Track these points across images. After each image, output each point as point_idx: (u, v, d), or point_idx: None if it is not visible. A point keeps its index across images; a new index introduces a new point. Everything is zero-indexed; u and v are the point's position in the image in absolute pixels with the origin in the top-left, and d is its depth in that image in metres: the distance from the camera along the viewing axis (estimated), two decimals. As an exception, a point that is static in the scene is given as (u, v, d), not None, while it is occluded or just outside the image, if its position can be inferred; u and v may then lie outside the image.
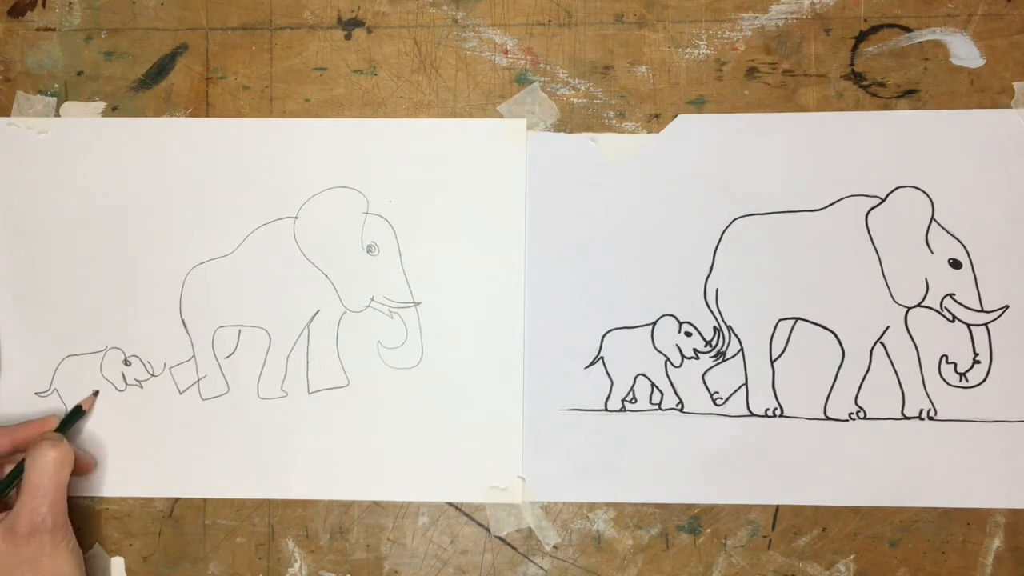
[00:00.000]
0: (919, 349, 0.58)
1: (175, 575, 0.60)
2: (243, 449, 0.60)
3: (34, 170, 0.61)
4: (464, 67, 0.61)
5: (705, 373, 0.59)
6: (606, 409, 0.59)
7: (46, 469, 0.53)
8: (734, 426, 0.59)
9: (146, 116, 0.61)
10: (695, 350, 0.59)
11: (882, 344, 0.59)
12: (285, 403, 0.60)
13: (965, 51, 0.60)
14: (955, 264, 0.59)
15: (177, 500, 0.60)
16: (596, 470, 0.59)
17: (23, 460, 0.55)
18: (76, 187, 0.61)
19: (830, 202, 0.59)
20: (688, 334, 0.59)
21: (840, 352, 0.59)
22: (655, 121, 0.60)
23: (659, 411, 0.59)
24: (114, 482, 0.60)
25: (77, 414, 0.59)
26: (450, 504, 0.60)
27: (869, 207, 0.59)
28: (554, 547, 0.59)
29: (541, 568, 0.59)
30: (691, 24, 0.61)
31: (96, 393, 0.60)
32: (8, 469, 0.57)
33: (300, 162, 0.61)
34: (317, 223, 0.60)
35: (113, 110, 0.61)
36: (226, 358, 0.60)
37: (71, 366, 0.60)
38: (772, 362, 0.59)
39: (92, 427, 0.60)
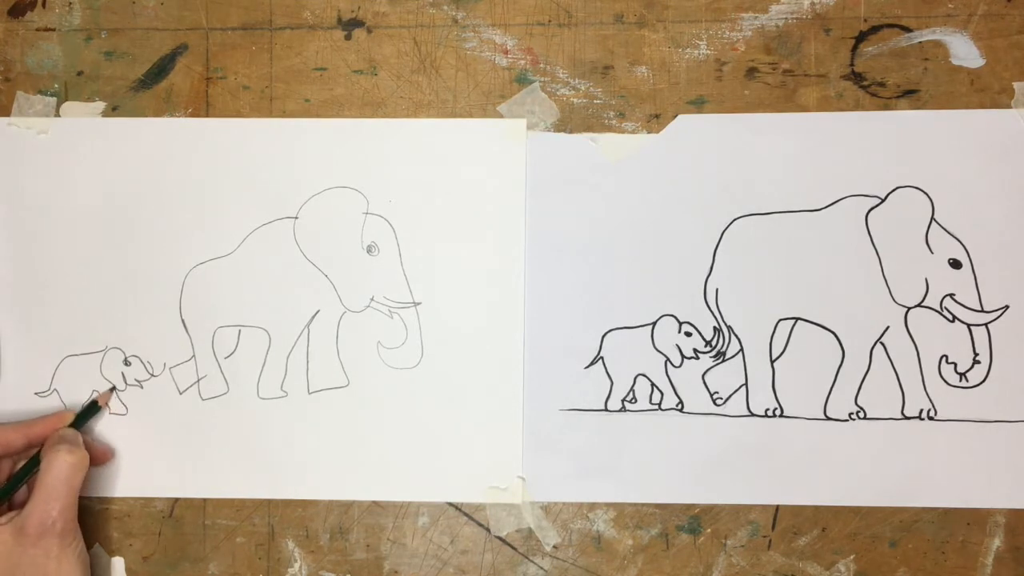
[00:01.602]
0: (919, 349, 0.58)
1: (175, 575, 0.60)
2: (243, 449, 0.60)
3: (34, 170, 0.61)
4: (464, 67, 0.61)
5: (705, 373, 0.59)
6: (606, 409, 0.59)
7: (61, 473, 0.53)
8: (734, 426, 0.59)
9: (146, 116, 0.61)
10: (695, 350, 0.59)
11: (882, 344, 0.59)
12: (285, 403, 0.60)
13: (965, 51, 0.60)
14: (955, 264, 0.59)
15: (177, 500, 0.60)
16: (596, 470, 0.59)
17: (36, 455, 0.55)
18: (76, 187, 0.61)
19: (830, 202, 0.59)
20: (688, 334, 0.59)
21: (840, 352, 0.59)
22: (655, 121, 0.60)
23: (659, 411, 0.59)
24: (114, 482, 0.60)
25: (93, 409, 0.59)
26: (450, 504, 0.60)
27: (869, 207, 0.59)
28: (554, 547, 0.59)
29: (541, 568, 0.59)
30: (691, 24, 0.61)
31: (113, 389, 0.60)
32: (21, 464, 0.57)
33: (300, 162, 0.61)
34: (317, 223, 0.60)
35: (113, 110, 0.61)
36: (226, 358, 0.60)
37: (71, 366, 0.60)
38: (772, 362, 0.59)
39: (92, 428, 0.60)
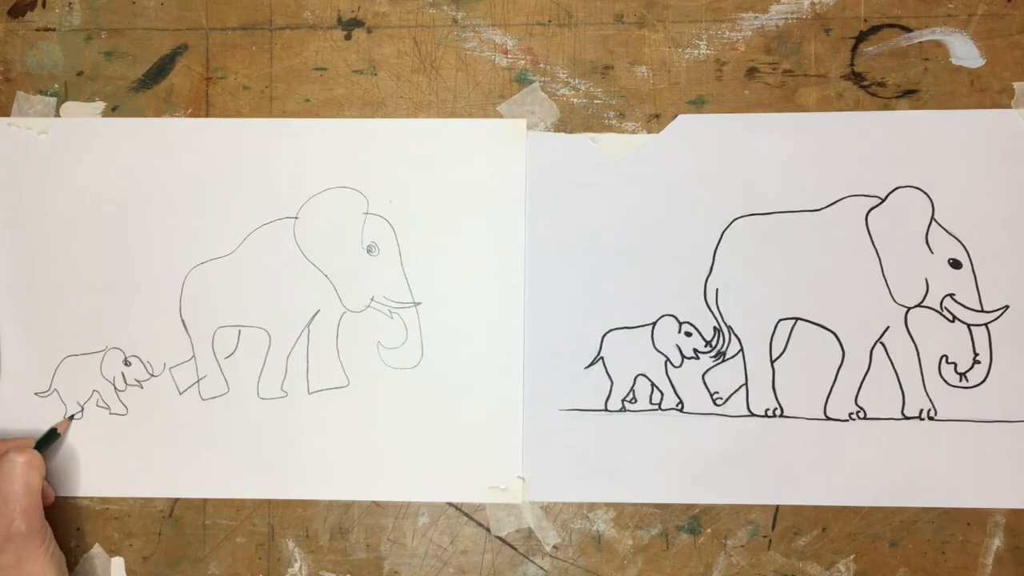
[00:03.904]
0: (919, 349, 0.58)
1: (175, 575, 0.60)
2: (243, 449, 0.60)
3: (34, 170, 0.61)
4: (464, 67, 0.61)
5: (705, 373, 0.59)
6: (606, 409, 0.59)
7: (14, 475, 0.53)
8: (734, 426, 0.59)
9: (146, 116, 0.61)
10: (695, 350, 0.59)
11: (882, 344, 0.59)
12: (285, 403, 0.60)
13: (965, 51, 0.60)
14: (955, 264, 0.59)
15: (177, 500, 0.60)
16: (596, 470, 0.59)
17: None
18: (76, 187, 0.61)
19: (830, 202, 0.59)
20: (688, 334, 0.59)
21: (840, 352, 0.59)
22: (655, 121, 0.60)
23: (659, 411, 0.59)
24: (114, 482, 0.60)
25: (52, 436, 0.59)
26: (450, 504, 0.60)
27: (869, 207, 0.59)
28: (554, 547, 0.59)
29: (541, 568, 0.59)
30: (691, 24, 0.61)
31: (72, 417, 0.60)
32: None
33: (300, 162, 0.61)
34: (317, 223, 0.60)
35: (113, 110, 0.61)
36: (226, 358, 0.60)
37: (71, 366, 0.60)
38: (772, 362, 0.59)
39: (92, 428, 0.60)
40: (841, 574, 0.58)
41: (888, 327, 0.59)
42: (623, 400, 0.59)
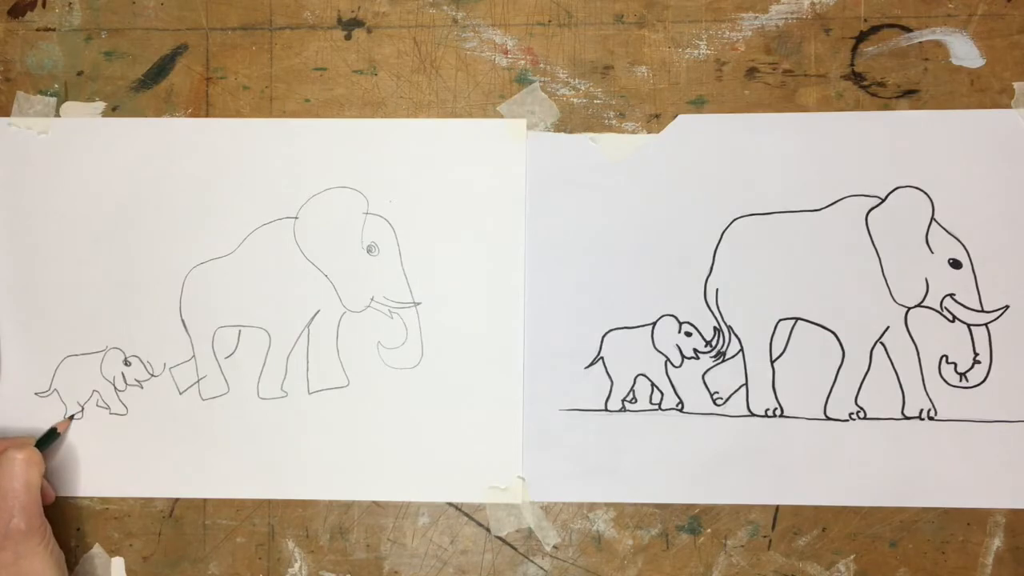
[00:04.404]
0: (919, 349, 0.58)
1: (175, 575, 0.60)
2: (243, 449, 0.60)
3: (34, 170, 0.61)
4: (464, 67, 0.61)
5: (705, 373, 0.59)
6: (606, 409, 0.59)
7: (13, 472, 0.53)
8: (734, 426, 0.59)
9: (146, 116, 0.61)
10: (695, 350, 0.59)
11: (882, 344, 0.59)
12: (285, 403, 0.60)
13: (965, 51, 0.60)
14: (955, 264, 0.59)
15: (177, 500, 0.60)
16: (596, 470, 0.59)
17: None
18: (76, 187, 0.61)
19: (830, 202, 0.59)
20: (688, 334, 0.59)
21: (840, 352, 0.59)
22: (655, 121, 0.60)
23: (659, 411, 0.59)
24: (114, 482, 0.60)
25: (52, 436, 0.59)
26: (450, 504, 0.60)
27: (869, 207, 0.59)
28: (554, 547, 0.59)
29: (541, 568, 0.59)
30: (691, 24, 0.61)
31: (72, 417, 0.60)
32: None
33: (300, 162, 0.61)
34: (317, 223, 0.60)
35: (113, 110, 0.61)
36: (226, 358, 0.60)
37: (71, 366, 0.60)
38: (772, 362, 0.59)
39: (92, 428, 0.60)
40: (841, 574, 0.58)
41: (888, 327, 0.59)
42: (623, 400, 0.59)
